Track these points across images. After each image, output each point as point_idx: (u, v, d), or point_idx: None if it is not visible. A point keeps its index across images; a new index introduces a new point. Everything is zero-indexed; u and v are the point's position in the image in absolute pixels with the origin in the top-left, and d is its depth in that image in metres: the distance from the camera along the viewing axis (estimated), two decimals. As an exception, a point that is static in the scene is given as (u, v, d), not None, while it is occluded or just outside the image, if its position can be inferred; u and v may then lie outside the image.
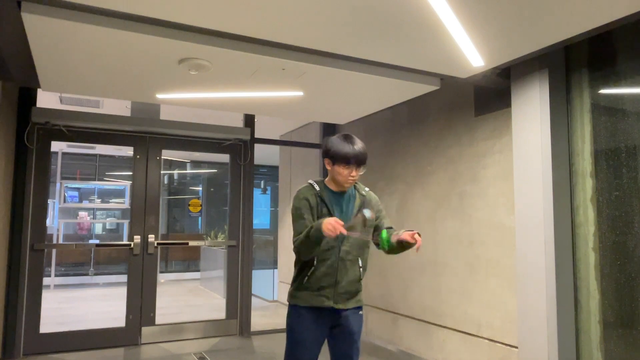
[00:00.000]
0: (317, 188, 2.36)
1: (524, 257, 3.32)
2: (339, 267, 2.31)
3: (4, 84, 3.94)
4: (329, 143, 2.35)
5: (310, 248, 2.18)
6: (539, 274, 3.19)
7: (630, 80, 3.11)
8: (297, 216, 2.30)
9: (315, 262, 2.28)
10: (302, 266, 2.34)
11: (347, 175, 2.30)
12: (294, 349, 2.34)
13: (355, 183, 2.46)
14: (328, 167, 2.36)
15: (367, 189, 2.53)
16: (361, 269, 2.39)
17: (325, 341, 2.40)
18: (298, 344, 2.32)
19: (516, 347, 3.44)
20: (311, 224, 2.17)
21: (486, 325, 3.74)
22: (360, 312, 2.43)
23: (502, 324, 3.60)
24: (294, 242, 2.27)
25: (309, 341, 2.31)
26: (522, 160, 3.37)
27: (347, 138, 2.33)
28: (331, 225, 2.02)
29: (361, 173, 2.36)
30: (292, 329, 2.36)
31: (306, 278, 2.30)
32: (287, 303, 2.41)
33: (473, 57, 3.09)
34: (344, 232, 2.04)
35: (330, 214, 2.30)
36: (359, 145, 2.31)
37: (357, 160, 2.29)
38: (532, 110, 3.32)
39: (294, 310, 2.36)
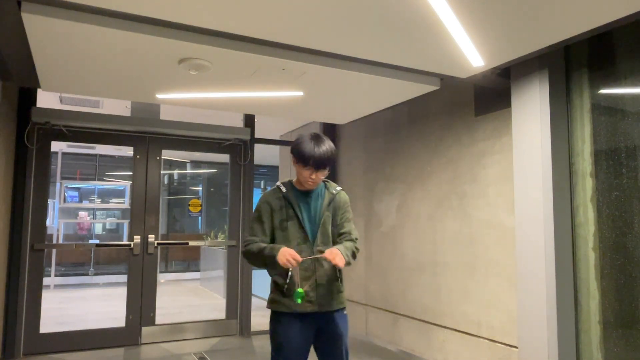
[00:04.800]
0: (284, 190, 2.37)
1: (524, 257, 3.32)
2: (316, 268, 2.30)
3: (4, 84, 3.94)
4: (296, 140, 2.33)
5: (259, 265, 2.28)
6: (539, 274, 3.19)
7: (630, 80, 3.11)
8: (254, 218, 2.35)
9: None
10: (279, 272, 2.30)
11: (307, 176, 2.29)
12: (279, 357, 2.29)
13: (326, 181, 2.45)
14: (293, 165, 2.36)
15: (338, 187, 2.49)
16: (338, 269, 2.33)
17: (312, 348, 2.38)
18: (283, 352, 2.28)
19: (516, 347, 3.44)
20: (266, 243, 2.25)
21: (486, 325, 3.74)
22: (345, 313, 2.41)
23: (502, 324, 3.61)
24: (244, 244, 2.31)
25: (294, 349, 2.28)
26: (522, 160, 3.37)
27: (315, 138, 2.29)
28: (286, 259, 2.11)
29: (322, 177, 2.33)
30: (276, 336, 2.32)
31: (285, 285, 2.27)
32: (268, 308, 2.36)
33: (473, 57, 3.09)
34: (297, 263, 2.14)
35: (296, 215, 2.31)
36: (324, 148, 2.26)
37: (316, 163, 2.25)
38: (532, 110, 3.32)
39: (276, 317, 2.33)
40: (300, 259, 2.16)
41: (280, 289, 2.30)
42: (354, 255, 2.36)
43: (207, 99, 4.16)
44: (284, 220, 2.31)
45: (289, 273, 2.26)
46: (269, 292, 2.40)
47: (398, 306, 4.73)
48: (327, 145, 2.29)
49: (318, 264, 2.29)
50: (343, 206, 2.44)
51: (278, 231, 2.33)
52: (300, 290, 2.19)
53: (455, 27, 2.64)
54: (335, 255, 2.16)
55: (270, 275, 2.40)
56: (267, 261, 2.21)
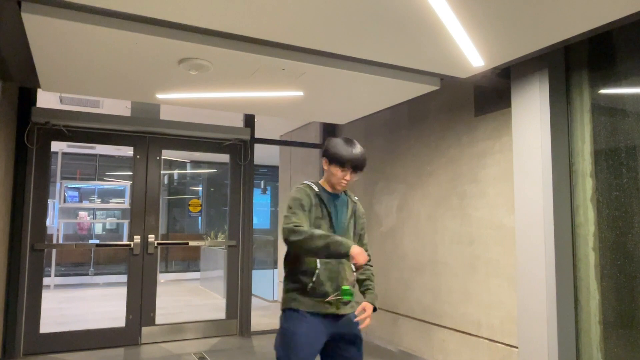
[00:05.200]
0: (316, 189, 2.35)
1: (524, 257, 3.32)
2: (340, 271, 2.29)
3: (4, 84, 3.94)
4: (330, 143, 2.37)
5: (311, 249, 2.09)
6: (539, 274, 3.19)
7: (630, 80, 3.11)
8: (298, 206, 2.23)
9: (318, 265, 2.25)
10: (303, 270, 2.27)
11: (341, 177, 2.32)
12: (292, 355, 2.23)
13: (346, 190, 2.46)
14: (325, 167, 2.37)
15: (356, 198, 2.54)
16: (354, 273, 2.34)
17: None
18: (298, 353, 2.22)
19: (516, 347, 3.44)
20: (336, 238, 2.10)
21: (486, 325, 3.74)
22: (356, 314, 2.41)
23: (502, 324, 3.60)
24: (293, 225, 2.14)
25: (310, 351, 2.24)
26: (522, 160, 3.37)
27: (349, 142, 2.35)
28: (359, 256, 2.02)
29: (355, 179, 2.37)
30: (293, 337, 2.24)
31: (311, 284, 2.23)
32: (284, 307, 2.31)
33: (473, 57, 3.09)
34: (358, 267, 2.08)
35: (329, 214, 2.32)
36: (358, 150, 2.33)
37: (353, 165, 2.31)
38: (532, 110, 3.32)
39: (296, 316, 2.26)
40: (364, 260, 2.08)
41: (302, 288, 2.25)
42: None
43: (207, 99, 4.16)
44: (318, 218, 2.29)
45: (316, 272, 2.24)
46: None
47: (398, 306, 4.73)
48: (360, 149, 2.35)
49: (342, 267, 2.30)
50: (362, 216, 2.50)
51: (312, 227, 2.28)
52: (346, 287, 2.17)
53: (455, 27, 2.64)
54: (359, 253, 2.08)
55: (292, 273, 2.32)
56: (332, 249, 2.06)
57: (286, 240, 2.15)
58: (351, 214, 2.41)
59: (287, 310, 2.30)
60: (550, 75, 3.27)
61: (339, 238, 2.09)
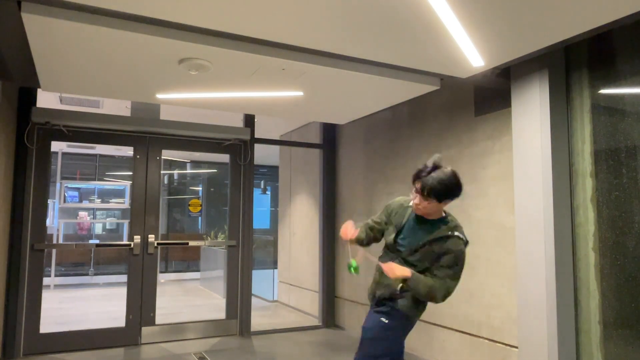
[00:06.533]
0: (411, 204, 2.45)
1: (524, 257, 3.31)
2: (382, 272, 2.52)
3: (4, 84, 3.94)
4: (424, 167, 2.38)
5: (364, 235, 2.63)
6: (539, 274, 3.19)
7: (630, 80, 3.11)
8: (383, 207, 2.71)
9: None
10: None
11: (413, 198, 2.40)
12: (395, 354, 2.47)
13: (449, 220, 2.45)
14: None
15: (457, 232, 2.41)
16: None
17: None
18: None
19: (516, 347, 3.44)
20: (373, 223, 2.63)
21: (486, 325, 3.74)
22: (382, 319, 2.57)
23: (502, 324, 3.60)
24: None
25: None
26: (522, 160, 3.37)
27: (434, 168, 2.33)
28: (342, 230, 2.52)
29: (426, 205, 2.34)
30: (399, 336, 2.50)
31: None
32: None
33: (473, 57, 3.09)
34: (348, 238, 2.52)
35: (395, 227, 2.52)
36: (434, 175, 2.28)
37: (421, 186, 2.30)
38: (532, 110, 3.32)
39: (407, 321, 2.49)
40: (352, 234, 2.49)
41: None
42: (427, 295, 2.36)
43: (207, 99, 4.16)
44: (390, 224, 2.56)
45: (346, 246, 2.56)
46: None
47: (398, 306, 4.73)
48: (439, 176, 2.28)
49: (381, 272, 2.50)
50: (445, 253, 2.36)
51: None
52: (352, 260, 2.45)
53: (455, 27, 2.64)
54: (392, 268, 2.32)
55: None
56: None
57: None
58: (431, 240, 2.37)
59: (406, 316, 2.54)
60: (550, 75, 3.27)
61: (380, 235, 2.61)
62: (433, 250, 2.37)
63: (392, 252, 2.50)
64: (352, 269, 2.46)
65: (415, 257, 2.40)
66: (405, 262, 2.41)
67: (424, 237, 2.39)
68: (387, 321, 2.45)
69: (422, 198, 2.31)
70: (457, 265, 2.38)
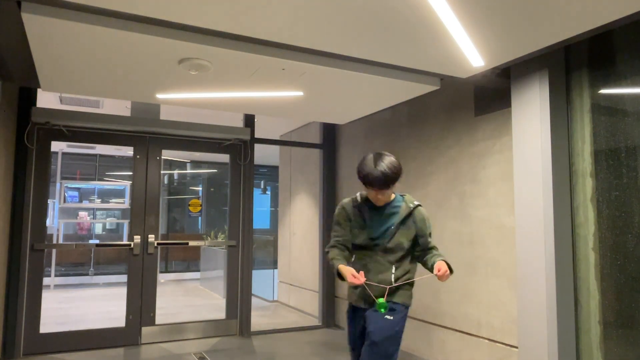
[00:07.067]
0: (359, 200, 2.55)
1: (524, 257, 3.32)
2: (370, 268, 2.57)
3: (4, 84, 3.94)
4: (359, 164, 2.47)
5: (331, 269, 2.53)
6: (539, 274, 3.19)
7: (630, 80, 3.11)
8: (334, 222, 2.63)
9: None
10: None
11: (374, 195, 2.46)
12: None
13: (403, 195, 2.60)
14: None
15: (416, 202, 2.59)
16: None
17: None
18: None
19: (516, 347, 3.44)
20: (335, 258, 2.48)
21: (486, 325, 3.74)
22: (386, 316, 2.62)
23: (502, 324, 3.61)
24: (327, 248, 2.60)
25: None
26: (522, 160, 3.37)
27: (376, 158, 2.41)
28: (350, 280, 2.33)
29: (389, 193, 2.48)
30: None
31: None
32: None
33: (473, 57, 3.09)
34: (362, 282, 2.32)
35: (365, 223, 2.52)
36: (383, 167, 2.37)
37: (379, 184, 2.38)
38: (532, 110, 3.32)
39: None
40: (360, 279, 2.32)
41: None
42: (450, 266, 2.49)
43: (207, 99, 4.16)
44: (354, 228, 2.54)
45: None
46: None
47: (398, 306, 4.73)
48: (386, 163, 2.39)
49: (376, 268, 2.51)
50: (420, 221, 2.55)
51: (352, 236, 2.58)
52: (381, 300, 2.38)
53: (455, 27, 2.64)
54: (444, 273, 2.35)
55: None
56: (333, 268, 2.47)
57: None
58: (403, 219, 2.51)
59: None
60: (550, 75, 3.27)
61: (336, 258, 2.47)
62: (408, 228, 2.52)
63: (369, 249, 2.53)
64: (382, 309, 2.40)
65: (394, 242, 2.50)
66: (387, 251, 2.50)
67: (392, 220, 2.51)
68: (392, 318, 2.48)
69: (384, 190, 2.42)
70: (431, 227, 2.62)
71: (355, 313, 2.62)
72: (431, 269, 2.44)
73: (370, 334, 2.44)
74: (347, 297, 2.67)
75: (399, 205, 2.55)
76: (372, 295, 2.45)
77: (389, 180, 2.38)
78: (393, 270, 2.50)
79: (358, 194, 2.61)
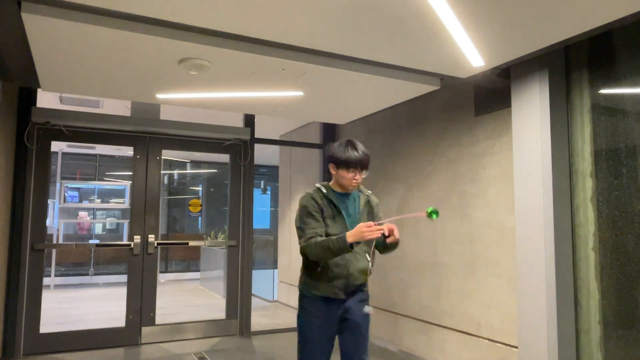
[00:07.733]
0: (324, 190, 2.53)
1: (524, 257, 3.32)
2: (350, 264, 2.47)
3: (4, 84, 3.94)
4: (332, 149, 2.51)
5: (328, 256, 2.34)
6: (539, 274, 3.19)
7: (630, 80, 3.11)
8: (305, 214, 2.45)
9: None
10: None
11: (351, 178, 2.46)
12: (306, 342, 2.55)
13: (358, 185, 2.61)
14: (332, 172, 2.53)
15: (369, 191, 2.69)
16: (369, 262, 2.53)
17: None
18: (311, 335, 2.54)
19: (516, 347, 3.44)
20: (325, 239, 2.34)
21: (486, 325, 3.74)
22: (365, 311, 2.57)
23: (502, 324, 3.61)
24: (307, 237, 2.39)
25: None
26: (522, 160, 3.37)
27: (350, 144, 2.47)
28: (363, 232, 2.22)
29: (364, 176, 2.51)
30: (304, 320, 2.54)
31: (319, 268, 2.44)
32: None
33: (473, 57, 3.09)
34: (381, 230, 2.26)
35: (340, 212, 2.48)
36: (361, 150, 2.46)
37: (361, 164, 2.45)
38: (532, 110, 3.32)
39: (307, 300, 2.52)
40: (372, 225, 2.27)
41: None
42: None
43: (207, 99, 4.16)
44: (327, 218, 2.47)
45: (372, 249, 2.49)
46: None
47: (398, 306, 4.73)
48: (362, 147, 2.48)
49: (354, 258, 2.46)
50: (377, 205, 2.68)
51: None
52: (430, 208, 2.35)
53: (455, 27, 2.64)
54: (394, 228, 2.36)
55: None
56: (337, 250, 2.29)
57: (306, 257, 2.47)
58: (364, 206, 2.57)
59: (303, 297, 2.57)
60: (550, 75, 3.27)
61: (333, 238, 2.31)
62: (368, 212, 2.59)
63: None
64: (434, 215, 2.34)
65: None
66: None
67: (357, 207, 2.56)
68: (370, 307, 2.55)
69: (365, 171, 2.49)
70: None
71: (329, 305, 2.49)
72: (383, 242, 2.40)
73: (359, 326, 2.54)
74: (308, 290, 2.50)
75: (357, 193, 2.61)
76: (354, 284, 2.48)
77: (369, 160, 2.47)
78: (368, 258, 2.51)
79: (319, 185, 2.57)
